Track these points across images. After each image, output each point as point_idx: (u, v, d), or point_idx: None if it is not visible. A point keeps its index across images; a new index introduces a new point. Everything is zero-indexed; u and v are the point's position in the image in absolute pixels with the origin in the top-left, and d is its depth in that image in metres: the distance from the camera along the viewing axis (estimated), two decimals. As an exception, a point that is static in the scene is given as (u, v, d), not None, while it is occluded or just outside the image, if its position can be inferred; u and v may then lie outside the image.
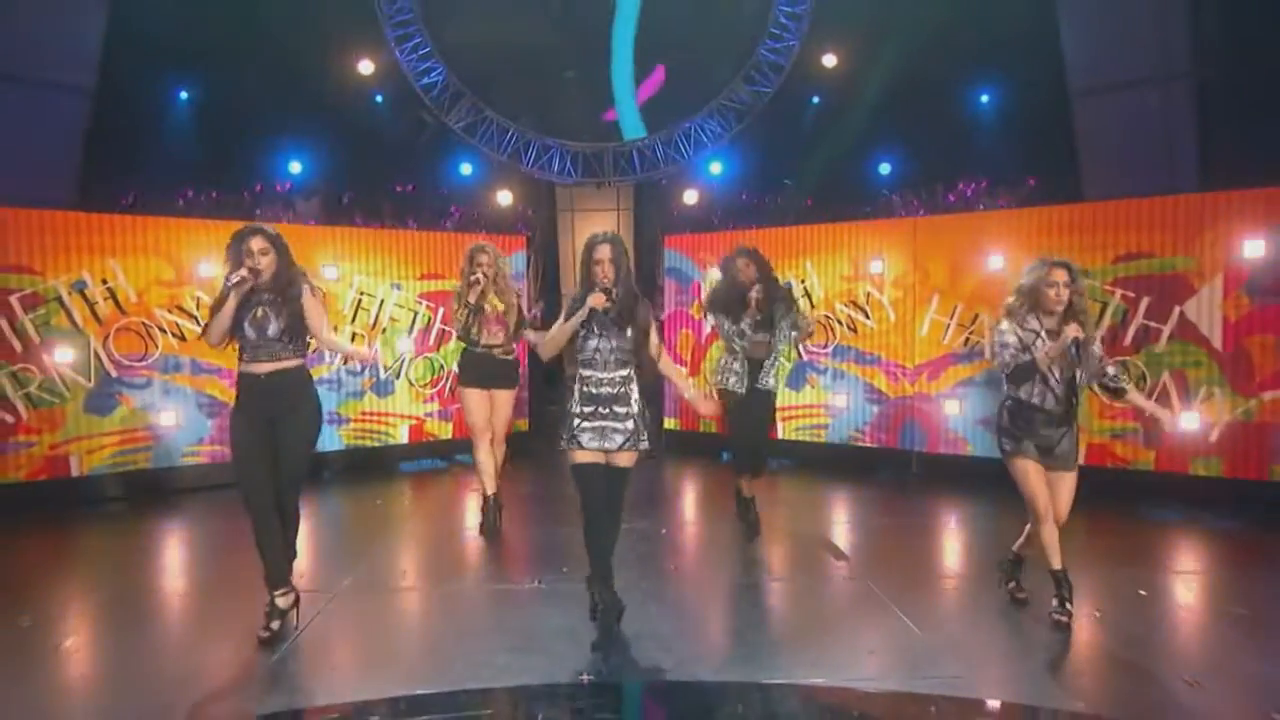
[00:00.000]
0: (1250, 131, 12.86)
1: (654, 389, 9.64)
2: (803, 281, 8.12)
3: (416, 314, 8.08)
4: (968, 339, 7.31)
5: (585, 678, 3.48)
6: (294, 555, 4.16)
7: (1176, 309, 6.43)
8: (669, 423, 9.01)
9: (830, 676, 3.57)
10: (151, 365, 6.83)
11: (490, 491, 5.79)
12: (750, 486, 5.70)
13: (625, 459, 3.96)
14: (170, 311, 6.88)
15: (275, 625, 3.93)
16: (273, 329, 3.95)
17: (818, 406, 8.14)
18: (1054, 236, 6.92)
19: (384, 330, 7.97)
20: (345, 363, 7.65)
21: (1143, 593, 4.59)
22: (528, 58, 12.28)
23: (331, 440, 7.60)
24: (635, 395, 3.95)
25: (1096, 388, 4.21)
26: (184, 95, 14.31)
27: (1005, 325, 4.15)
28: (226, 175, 13.38)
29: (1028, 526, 4.25)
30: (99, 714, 3.35)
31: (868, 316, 7.83)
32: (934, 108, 13.99)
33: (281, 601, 4.00)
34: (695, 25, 12.27)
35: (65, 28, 12.09)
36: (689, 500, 7.51)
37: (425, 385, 8.14)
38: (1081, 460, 6.69)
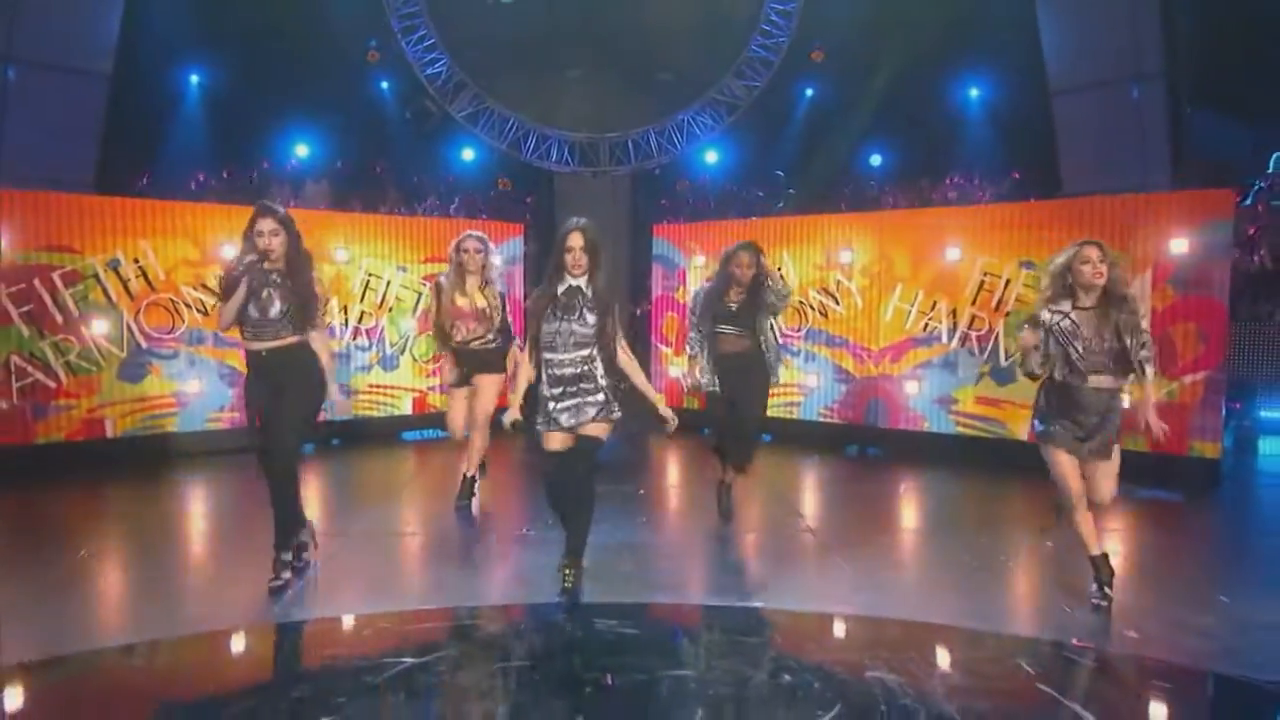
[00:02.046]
0: (1220, 128, 13.57)
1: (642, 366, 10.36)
2: (779, 269, 8.80)
3: (420, 295, 8.77)
4: (926, 324, 7.99)
5: (562, 597, 4.16)
6: (301, 522, 4.37)
7: (1111, 299, 7.11)
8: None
9: (769, 601, 4.28)
10: (178, 338, 7.54)
11: (470, 471, 5.84)
12: (731, 476, 5.66)
13: (595, 428, 4.04)
14: (195, 289, 7.58)
15: (286, 575, 4.23)
16: (275, 310, 4.10)
17: (791, 385, 8.84)
18: (1006, 232, 7.59)
19: (390, 309, 8.67)
20: (355, 337, 8.39)
21: (1049, 544, 5.27)
22: (528, 51, 12.92)
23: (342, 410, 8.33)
24: (600, 371, 4.04)
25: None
26: (195, 80, 14.83)
27: (1026, 333, 4.12)
28: (237, 159, 14.11)
29: (1086, 525, 4.17)
30: (143, 618, 4.03)
31: (837, 302, 8.52)
32: (923, 103, 14.63)
33: (288, 557, 4.27)
34: (688, 21, 12.87)
35: (85, 15, 12.64)
36: (669, 469, 8.23)
37: (428, 361, 8.83)
38: (1024, 436, 7.47)
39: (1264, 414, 9.71)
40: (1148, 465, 6.92)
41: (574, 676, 3.36)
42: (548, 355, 4.02)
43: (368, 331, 8.58)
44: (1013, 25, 13.83)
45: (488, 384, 5.75)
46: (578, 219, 4.13)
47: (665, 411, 4.17)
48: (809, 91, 15.08)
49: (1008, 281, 7.54)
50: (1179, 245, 6.78)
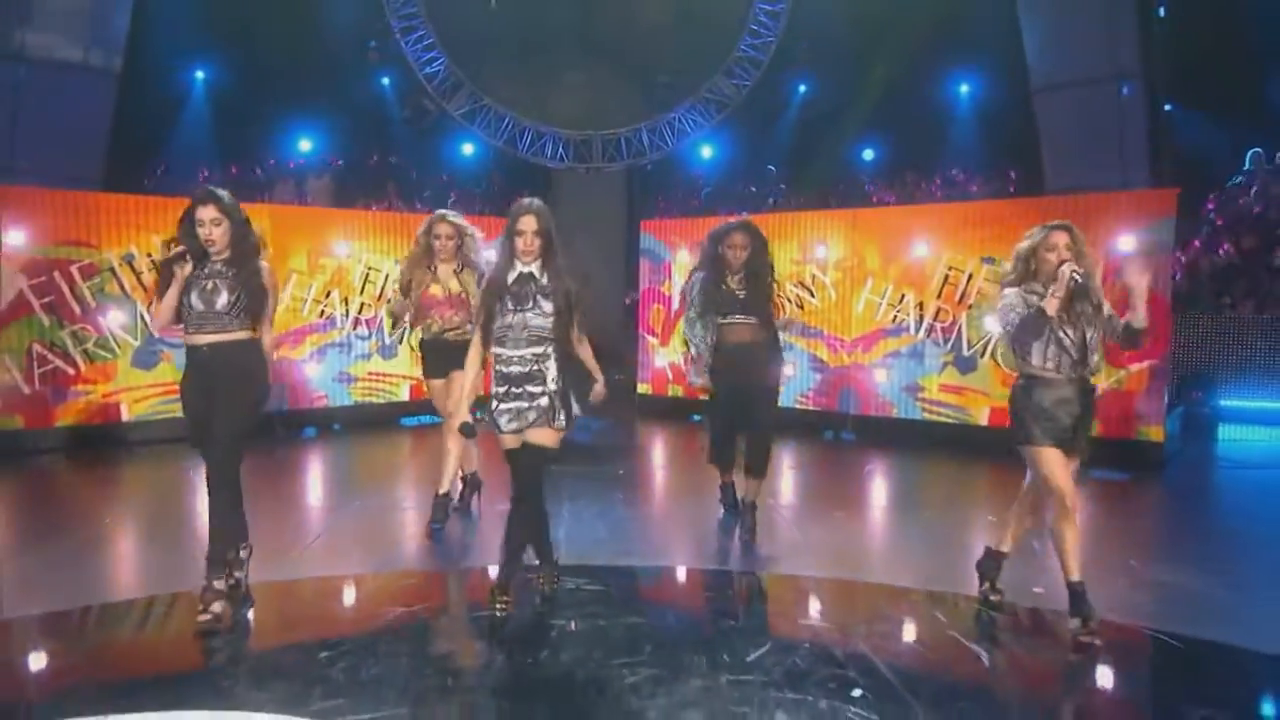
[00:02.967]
0: (1199, 125, 13.99)
1: (626, 354, 10.83)
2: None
3: (416, 287, 9.26)
4: (895, 316, 8.47)
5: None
6: (241, 536, 4.03)
7: (1065, 293, 7.60)
8: (641, 387, 10.22)
9: (722, 564, 4.79)
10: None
11: (443, 490, 5.25)
12: (752, 489, 5.18)
13: (539, 435, 3.74)
14: (204, 281, 8.08)
15: (216, 609, 3.65)
16: (221, 301, 3.76)
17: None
18: (968, 229, 8.06)
19: (389, 300, 9.15)
20: (355, 327, 8.88)
21: (991, 519, 5.76)
22: (523, 50, 13.41)
23: (342, 397, 8.84)
24: (552, 373, 3.72)
25: (1121, 341, 3.77)
26: (201, 76, 15.26)
27: (1009, 293, 3.82)
28: (242, 155, 14.59)
29: (1012, 526, 4.11)
30: (163, 574, 4.53)
31: (813, 295, 9.00)
32: (911, 100, 15.07)
33: (219, 584, 3.75)
34: (679, 21, 13.34)
35: (95, 13, 13.07)
36: (653, 452, 8.72)
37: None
38: (984, 421, 7.96)
39: (1224, 403, 10.18)
40: (1097, 448, 7.44)
41: (542, 623, 3.86)
42: (497, 350, 3.74)
43: (367, 322, 9.07)
44: (998, 24, 14.28)
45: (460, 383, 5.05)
46: (530, 200, 3.83)
47: (598, 389, 3.95)
48: (802, 88, 15.60)
49: (970, 276, 8.02)
50: (1126, 242, 7.26)
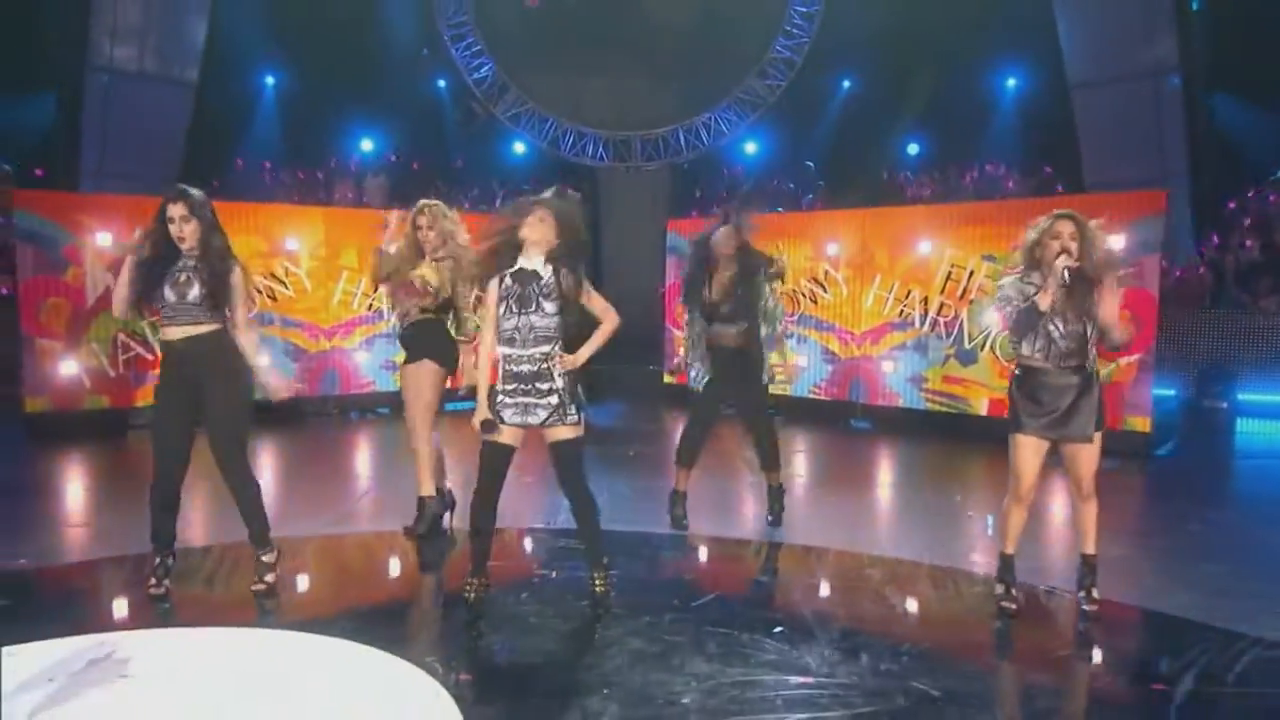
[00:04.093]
0: (1235, 121, 13.99)
1: (655, 341, 11.44)
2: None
3: (457, 282, 10.06)
4: (902, 311, 8.96)
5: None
6: (262, 525, 4.20)
7: (1059, 289, 8.00)
8: (667, 377, 10.86)
9: (698, 531, 5.42)
10: (250, 319, 8.94)
11: (424, 491, 5.03)
12: (773, 478, 5.44)
13: (560, 433, 3.87)
14: (264, 277, 9.00)
15: (269, 578, 4.13)
16: (194, 294, 3.92)
17: (786, 365, 9.89)
18: (970, 228, 8.51)
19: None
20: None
21: (969, 512, 6.29)
22: (565, 54, 14.11)
23: (387, 383, 9.69)
24: (558, 371, 3.82)
25: (1104, 343, 3.86)
26: (270, 81, 16.30)
27: (1006, 281, 3.94)
28: (308, 155, 15.61)
29: (1091, 525, 4.10)
30: (228, 528, 5.36)
31: (825, 290, 9.53)
32: (954, 97, 15.32)
33: (268, 557, 4.15)
34: (715, 24, 13.89)
35: (173, 29, 14.22)
36: (666, 439, 9.35)
37: (463, 341, 10.11)
38: (984, 410, 8.39)
39: (1243, 397, 10.38)
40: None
41: (527, 575, 4.56)
42: (505, 350, 3.83)
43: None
44: (1038, 20, 14.47)
45: (409, 376, 4.96)
46: (540, 198, 3.88)
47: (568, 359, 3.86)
48: (845, 84, 15.97)
49: (971, 272, 8.46)
50: (1116, 241, 7.61)
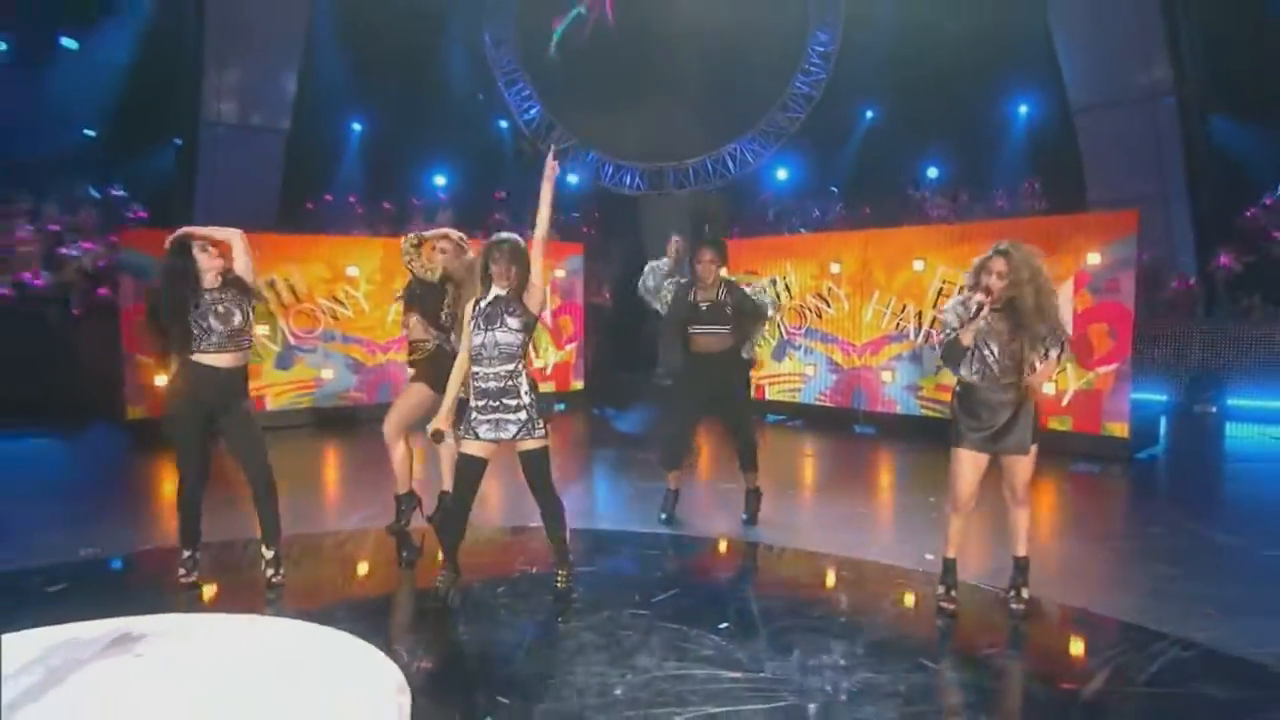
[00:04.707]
0: (1233, 139, 13.25)
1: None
2: (784, 278, 9.67)
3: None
4: (898, 324, 8.71)
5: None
6: (277, 526, 4.24)
7: (1041, 303, 7.66)
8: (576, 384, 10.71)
9: (676, 530, 5.32)
10: (317, 336, 9.19)
11: (400, 490, 4.74)
12: (750, 479, 5.35)
13: (530, 444, 3.83)
14: (329, 300, 9.21)
15: (283, 573, 4.19)
16: (237, 320, 3.98)
17: (795, 374, 9.71)
18: (962, 246, 8.21)
19: (476, 313, 10.08)
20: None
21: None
22: (604, 92, 14.13)
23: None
24: (525, 388, 3.79)
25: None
26: (357, 128, 16.69)
27: (949, 304, 3.79)
28: (387, 191, 15.95)
29: (1022, 529, 3.92)
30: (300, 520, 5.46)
31: (829, 306, 9.32)
32: (968, 123, 14.89)
33: (270, 554, 4.19)
34: (740, 62, 13.75)
35: (268, 86, 14.67)
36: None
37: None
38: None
39: (1233, 402, 9.81)
40: (1069, 442, 7.51)
41: (510, 571, 4.53)
42: (475, 368, 3.79)
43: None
44: (1044, 50, 13.96)
45: (411, 390, 4.71)
46: (505, 235, 3.90)
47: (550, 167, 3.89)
48: (869, 114, 15.66)
49: (961, 288, 8.16)
50: (1093, 258, 7.28)
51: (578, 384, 10.66)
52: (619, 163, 14.22)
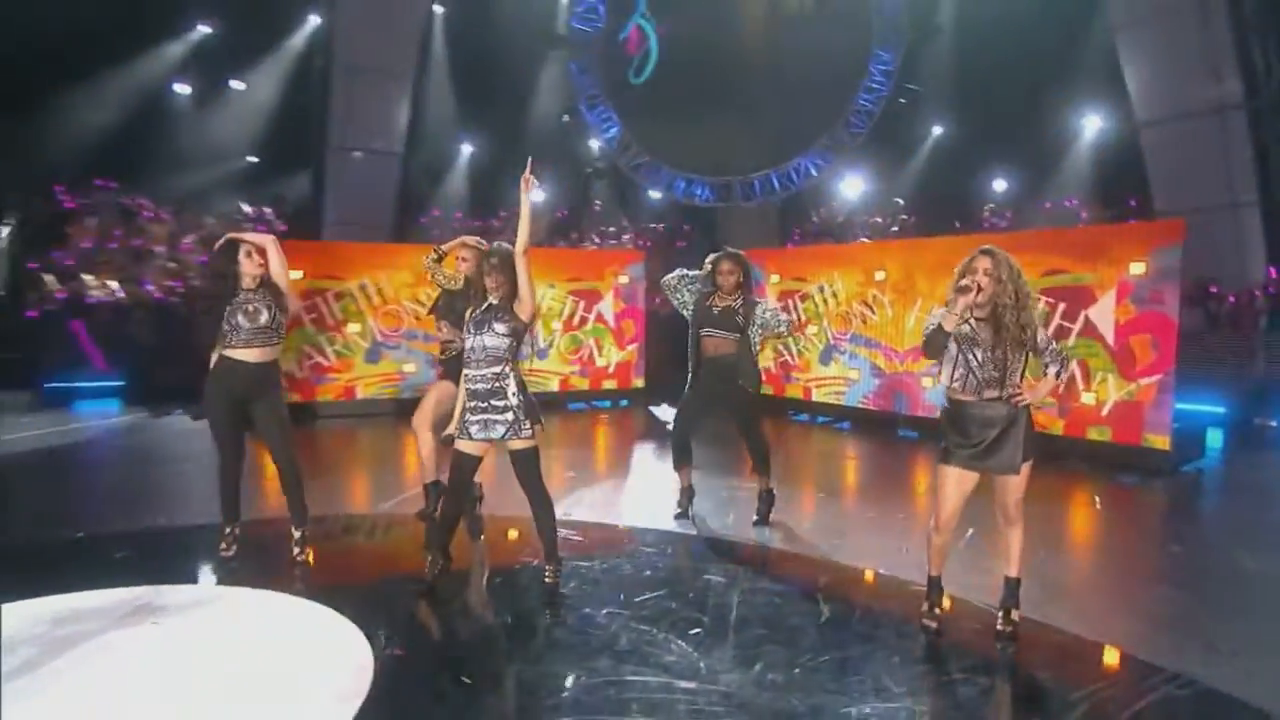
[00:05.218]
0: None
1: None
2: (831, 285, 9.13)
3: (565, 305, 10.03)
4: (938, 331, 8.04)
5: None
6: (305, 509, 4.20)
7: (1083, 313, 6.88)
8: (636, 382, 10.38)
9: (677, 529, 4.98)
10: (401, 334, 9.31)
11: (427, 479, 4.77)
12: (763, 482, 5.07)
13: (518, 444, 3.69)
14: (411, 302, 9.31)
15: (308, 551, 4.17)
16: (264, 319, 3.97)
17: (840, 378, 9.15)
18: (1001, 255, 7.49)
19: (542, 314, 9.99)
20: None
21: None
22: (677, 110, 13.79)
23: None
24: (512, 389, 3.63)
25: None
26: (467, 150, 16.98)
27: (936, 310, 3.40)
28: (487, 206, 16.16)
29: (1007, 548, 3.50)
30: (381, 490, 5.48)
31: (874, 312, 8.73)
32: (1033, 136, 13.84)
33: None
34: (805, 79, 13.15)
35: (383, 111, 15.08)
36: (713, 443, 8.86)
37: (571, 353, 10.08)
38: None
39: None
40: (1108, 453, 6.73)
41: (509, 563, 4.33)
42: (465, 370, 3.68)
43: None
44: (1109, 64, 12.77)
45: (435, 388, 4.79)
46: (499, 244, 3.78)
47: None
48: (936, 130, 14.76)
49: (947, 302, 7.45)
50: (1137, 268, 6.48)
51: (639, 382, 10.43)
52: (689, 177, 13.85)
